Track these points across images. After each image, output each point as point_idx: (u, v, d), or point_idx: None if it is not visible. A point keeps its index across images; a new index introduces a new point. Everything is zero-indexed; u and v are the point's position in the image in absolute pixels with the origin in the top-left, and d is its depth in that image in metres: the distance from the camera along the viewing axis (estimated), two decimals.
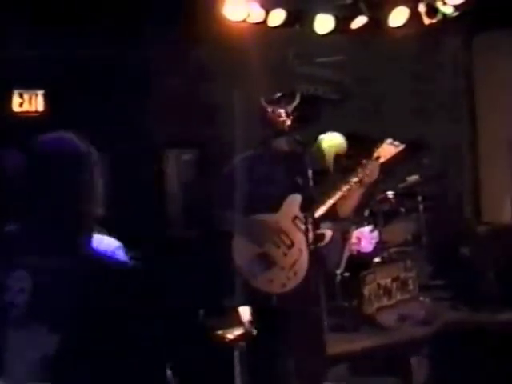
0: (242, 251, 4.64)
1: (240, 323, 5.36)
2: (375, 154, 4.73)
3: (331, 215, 4.74)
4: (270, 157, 4.65)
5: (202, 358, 5.42)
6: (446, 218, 7.63)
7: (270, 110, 4.58)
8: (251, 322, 5.29)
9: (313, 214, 4.49)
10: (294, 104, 4.59)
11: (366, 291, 6.22)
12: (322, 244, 4.61)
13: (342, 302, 6.13)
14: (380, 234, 6.37)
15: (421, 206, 6.89)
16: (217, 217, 4.75)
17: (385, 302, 6.35)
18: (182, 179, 6.86)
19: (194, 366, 5.17)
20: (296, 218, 4.58)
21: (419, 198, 6.88)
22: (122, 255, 2.31)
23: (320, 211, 4.58)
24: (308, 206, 4.48)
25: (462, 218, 8.20)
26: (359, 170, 4.65)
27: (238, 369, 5.19)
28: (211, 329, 5.50)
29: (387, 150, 4.77)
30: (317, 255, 4.57)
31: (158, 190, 6.74)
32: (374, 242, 6.30)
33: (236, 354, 5.23)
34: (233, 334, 5.33)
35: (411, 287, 6.56)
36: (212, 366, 5.42)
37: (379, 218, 6.47)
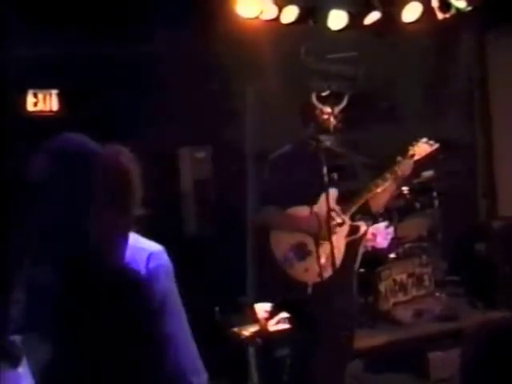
0: (279, 241, 4.79)
1: (256, 320, 5.38)
2: (410, 152, 4.97)
3: (364, 210, 4.95)
4: (310, 152, 4.73)
5: (217, 354, 5.43)
6: (462, 213, 7.60)
7: (319, 107, 4.73)
8: (267, 319, 5.31)
9: (349, 208, 4.77)
10: (342, 106, 4.77)
11: (381, 287, 6.23)
12: (357, 236, 4.83)
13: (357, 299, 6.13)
14: (395, 229, 6.36)
15: (436, 202, 6.86)
16: (255, 210, 4.92)
17: (400, 297, 6.36)
18: (195, 177, 6.86)
19: (210, 363, 5.17)
20: (333, 210, 4.72)
21: (434, 194, 6.85)
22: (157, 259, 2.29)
23: (356, 205, 4.82)
24: (344, 200, 4.75)
25: (477, 214, 8.17)
26: (394, 166, 4.85)
27: (253, 365, 5.20)
28: (227, 326, 5.52)
29: (422, 148, 5.02)
30: (352, 246, 4.83)
31: (171, 188, 6.74)
32: (389, 237, 6.29)
33: (251, 350, 5.25)
34: (249, 331, 5.35)
35: (427, 283, 6.56)
36: (228, 362, 5.43)
37: (394, 213, 6.45)
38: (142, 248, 2.29)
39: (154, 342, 2.21)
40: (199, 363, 2.35)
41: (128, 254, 2.22)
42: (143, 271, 2.22)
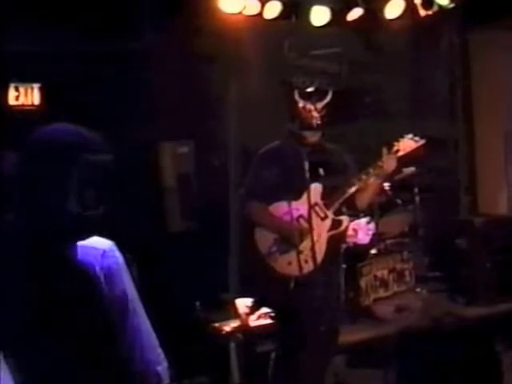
0: (263, 234, 4.83)
1: (237, 315, 5.39)
2: (395, 148, 4.95)
3: (350, 206, 4.99)
4: (295, 148, 4.75)
5: (199, 349, 5.44)
6: (443, 209, 7.63)
7: (301, 104, 4.74)
8: (248, 314, 5.32)
9: (332, 202, 4.81)
10: (325, 101, 4.76)
11: (362, 283, 6.24)
12: (340, 230, 4.86)
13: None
14: (377, 225, 6.38)
15: (417, 198, 6.89)
16: (242, 204, 5.01)
17: (381, 293, 6.37)
18: (178, 172, 6.85)
19: (191, 358, 5.19)
20: (316, 204, 4.78)
21: (416, 190, 6.88)
22: (111, 256, 2.27)
23: (340, 200, 4.84)
24: (329, 195, 4.79)
25: (458, 210, 8.21)
26: (378, 161, 4.86)
27: (234, 360, 5.21)
28: (208, 321, 5.52)
29: (407, 144, 5.00)
30: (334, 241, 4.85)
31: (154, 183, 6.73)
32: (370, 233, 6.31)
33: (232, 345, 5.26)
34: (229, 326, 5.37)
35: (408, 279, 6.58)
36: (209, 357, 5.44)
37: (376, 209, 6.47)
38: (92, 247, 2.24)
39: (121, 338, 2.22)
40: (161, 352, 2.38)
41: (82, 253, 2.21)
42: (99, 270, 2.22)
